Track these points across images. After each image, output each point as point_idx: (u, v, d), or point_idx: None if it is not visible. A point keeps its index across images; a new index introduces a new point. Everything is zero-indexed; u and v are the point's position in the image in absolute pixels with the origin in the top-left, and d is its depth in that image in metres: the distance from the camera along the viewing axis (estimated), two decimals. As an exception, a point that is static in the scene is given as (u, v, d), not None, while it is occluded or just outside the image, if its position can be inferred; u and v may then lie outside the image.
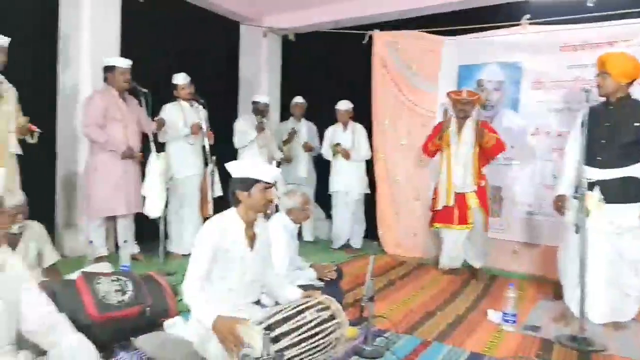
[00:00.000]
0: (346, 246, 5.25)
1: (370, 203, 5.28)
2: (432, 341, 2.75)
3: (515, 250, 4.54)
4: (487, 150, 4.01)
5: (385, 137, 5.19)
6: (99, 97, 3.91)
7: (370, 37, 5.15)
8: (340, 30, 5.41)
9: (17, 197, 2.44)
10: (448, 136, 4.14)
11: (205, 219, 4.16)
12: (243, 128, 5.02)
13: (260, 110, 5.08)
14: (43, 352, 1.65)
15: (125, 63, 3.97)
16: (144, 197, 3.99)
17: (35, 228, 2.67)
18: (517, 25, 4.42)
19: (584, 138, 2.87)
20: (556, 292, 3.54)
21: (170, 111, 4.42)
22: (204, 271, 2.16)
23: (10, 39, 3.25)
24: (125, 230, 4.18)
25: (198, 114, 4.45)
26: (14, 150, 3.36)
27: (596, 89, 3.07)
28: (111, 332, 2.19)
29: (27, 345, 1.66)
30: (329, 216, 5.56)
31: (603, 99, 3.11)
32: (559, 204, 3.18)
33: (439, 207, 4.19)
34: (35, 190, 3.09)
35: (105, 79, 3.99)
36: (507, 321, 3.00)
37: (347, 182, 5.11)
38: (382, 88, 5.15)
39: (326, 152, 5.27)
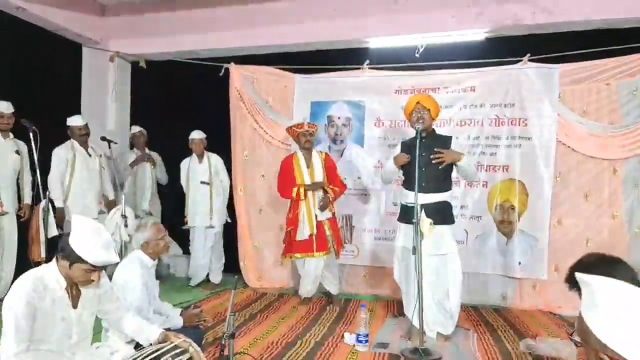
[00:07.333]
0: (206, 282, 5.07)
1: (230, 235, 5.21)
2: (293, 371, 2.82)
3: (365, 274, 4.89)
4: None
5: (245, 169, 5.22)
6: None
7: (227, 70, 5.16)
8: (195, 61, 5.31)
9: None
10: (300, 168, 4.33)
11: (37, 263, 3.65)
12: (59, 163, 4.33)
13: (78, 136, 4.44)
14: None
15: None
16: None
17: None
18: (359, 69, 4.89)
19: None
20: (400, 309, 3.88)
21: None
22: (27, 333, 1.86)
23: None
24: None
25: (18, 146, 4.06)
26: None
27: (417, 124, 3.40)
28: None
29: None
30: (186, 252, 5.33)
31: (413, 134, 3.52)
32: None
33: (305, 236, 4.23)
34: None
35: None
36: (360, 342, 3.21)
37: (206, 215, 4.97)
38: (240, 120, 5.20)
39: (184, 184, 5.08)
